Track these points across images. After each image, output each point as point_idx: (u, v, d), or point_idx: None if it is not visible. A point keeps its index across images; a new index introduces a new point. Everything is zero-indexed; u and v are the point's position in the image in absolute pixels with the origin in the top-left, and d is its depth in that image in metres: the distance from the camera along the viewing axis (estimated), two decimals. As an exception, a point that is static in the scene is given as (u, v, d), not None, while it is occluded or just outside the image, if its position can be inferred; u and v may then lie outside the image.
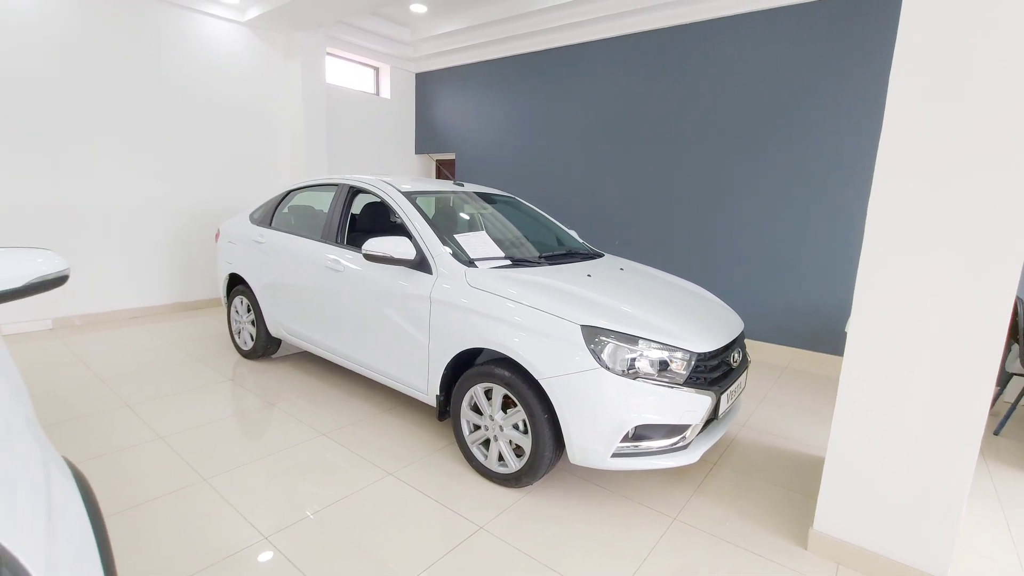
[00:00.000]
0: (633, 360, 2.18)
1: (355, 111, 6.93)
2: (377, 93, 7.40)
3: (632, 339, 2.20)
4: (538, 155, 6.29)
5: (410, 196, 3.03)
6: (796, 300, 4.67)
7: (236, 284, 4.16)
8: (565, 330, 2.22)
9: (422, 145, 7.68)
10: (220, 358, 4.10)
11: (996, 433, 3.28)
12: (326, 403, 3.32)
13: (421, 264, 2.74)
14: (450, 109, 7.21)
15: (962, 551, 2.14)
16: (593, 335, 2.19)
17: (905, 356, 1.83)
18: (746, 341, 4.97)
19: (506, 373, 2.35)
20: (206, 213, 5.63)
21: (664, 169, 5.30)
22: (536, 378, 2.25)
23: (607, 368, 2.14)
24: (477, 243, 2.83)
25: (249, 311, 3.98)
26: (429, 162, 7.95)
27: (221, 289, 4.28)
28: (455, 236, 2.84)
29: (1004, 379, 3.72)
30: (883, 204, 1.83)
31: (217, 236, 4.32)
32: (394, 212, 3.02)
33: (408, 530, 2.13)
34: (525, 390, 2.29)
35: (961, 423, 1.76)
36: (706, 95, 4.96)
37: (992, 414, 3.59)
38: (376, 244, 2.70)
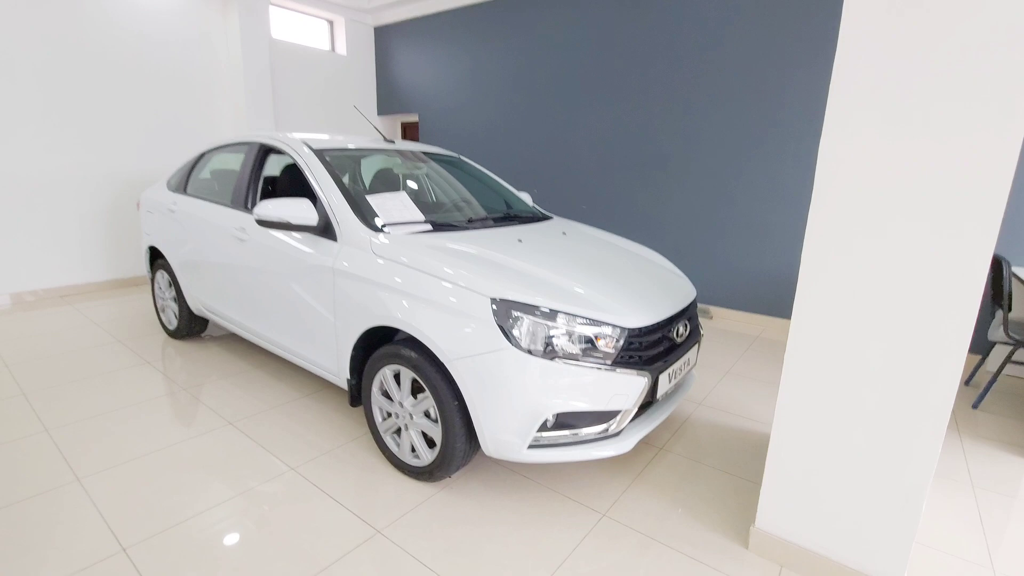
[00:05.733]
0: (551, 338, 1.87)
1: (308, 70, 6.42)
2: (332, 49, 6.86)
3: (551, 314, 1.88)
4: (504, 114, 5.85)
5: (320, 154, 2.65)
6: (769, 263, 4.36)
7: (158, 257, 3.81)
8: (473, 304, 1.90)
9: (384, 106, 7.19)
10: (144, 338, 3.78)
11: (975, 407, 3.02)
12: (248, 387, 3.02)
13: (326, 230, 2.39)
14: (412, 66, 6.70)
15: (924, 548, 1.89)
16: (506, 309, 1.87)
17: (858, 325, 1.52)
18: (715, 309, 4.71)
19: (412, 354, 2.04)
20: (139, 182, 5.21)
21: (633, 125, 4.90)
22: (441, 360, 1.95)
23: (521, 348, 1.84)
24: (392, 205, 2.48)
25: (171, 286, 3.64)
26: (394, 124, 7.47)
27: (144, 263, 3.93)
28: (367, 197, 2.48)
29: (986, 348, 3.45)
30: (835, 140, 1.49)
31: (139, 205, 3.94)
32: (304, 172, 2.65)
33: (291, 540, 1.86)
34: (432, 373, 1.99)
35: (922, 404, 1.47)
36: (675, 36, 4.52)
37: (972, 385, 3.33)
38: (270, 207, 2.34)
